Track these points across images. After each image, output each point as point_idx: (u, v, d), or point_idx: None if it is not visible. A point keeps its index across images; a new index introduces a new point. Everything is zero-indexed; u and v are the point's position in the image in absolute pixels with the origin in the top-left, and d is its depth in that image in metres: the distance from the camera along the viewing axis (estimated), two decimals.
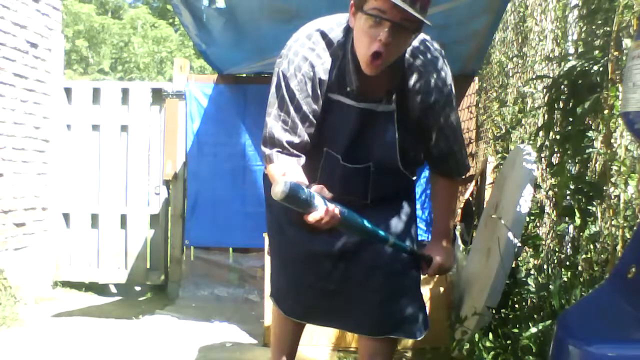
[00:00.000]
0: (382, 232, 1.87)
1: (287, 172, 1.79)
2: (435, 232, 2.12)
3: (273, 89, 1.87)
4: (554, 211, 2.88)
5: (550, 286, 2.40)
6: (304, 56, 1.82)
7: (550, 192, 2.93)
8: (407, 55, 1.85)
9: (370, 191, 1.96)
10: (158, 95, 5.07)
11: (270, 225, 2.16)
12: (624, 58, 2.10)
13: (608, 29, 2.32)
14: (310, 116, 1.85)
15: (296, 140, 1.85)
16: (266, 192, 2.13)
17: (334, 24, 1.87)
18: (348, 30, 1.83)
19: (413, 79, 1.86)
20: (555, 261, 2.87)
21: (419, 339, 2.07)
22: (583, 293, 2.30)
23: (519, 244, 2.74)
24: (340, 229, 1.80)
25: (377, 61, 1.72)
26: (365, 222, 1.81)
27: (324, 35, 1.84)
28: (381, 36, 1.67)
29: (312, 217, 1.66)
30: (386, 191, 1.99)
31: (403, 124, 1.89)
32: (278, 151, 1.85)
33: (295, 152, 1.86)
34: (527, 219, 2.87)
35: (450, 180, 2.07)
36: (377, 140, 1.91)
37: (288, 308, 2.14)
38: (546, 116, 2.72)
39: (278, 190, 1.60)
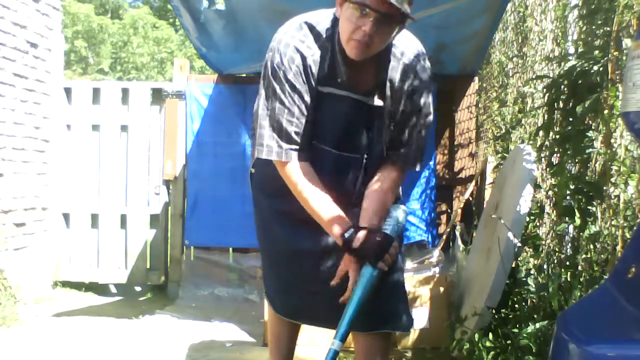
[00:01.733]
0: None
1: (316, 192, 1.86)
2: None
3: (269, 83, 1.86)
4: (554, 211, 2.88)
5: (550, 288, 2.40)
6: (295, 47, 1.83)
7: (550, 192, 2.93)
8: (394, 49, 1.88)
9: (360, 184, 1.96)
10: (158, 95, 5.07)
11: (258, 225, 2.16)
12: (624, 58, 2.10)
13: (608, 29, 2.33)
14: (308, 106, 1.86)
15: (299, 131, 1.86)
16: (253, 191, 2.13)
17: (322, 17, 1.89)
18: (335, 22, 1.85)
19: (401, 68, 1.89)
20: (555, 261, 2.87)
21: (408, 332, 2.08)
22: (582, 293, 2.30)
23: (519, 244, 2.74)
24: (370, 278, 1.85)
25: (360, 45, 1.75)
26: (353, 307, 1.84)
27: (311, 28, 1.86)
28: (366, 26, 1.71)
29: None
30: None
31: (391, 117, 1.92)
32: (291, 149, 1.86)
33: (298, 146, 1.87)
34: (527, 219, 2.87)
35: (401, 173, 2.01)
36: (371, 133, 1.93)
37: (279, 307, 2.15)
38: (546, 116, 2.72)
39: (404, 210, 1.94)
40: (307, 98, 1.85)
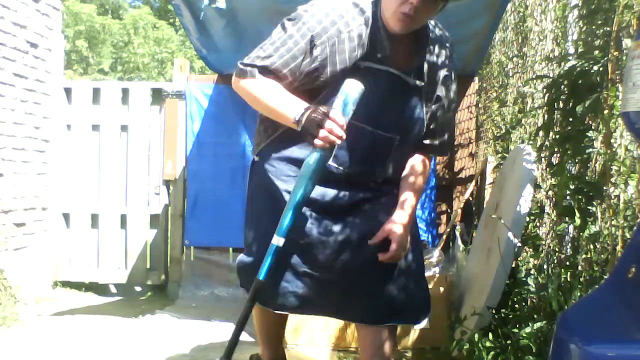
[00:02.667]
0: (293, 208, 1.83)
1: (269, 90, 1.86)
2: (399, 210, 1.96)
3: (285, 29, 1.89)
4: (554, 211, 2.88)
5: (549, 288, 2.39)
6: (333, 20, 1.86)
7: (550, 192, 2.93)
8: (431, 33, 1.94)
9: (386, 166, 1.97)
10: (158, 95, 5.07)
11: (261, 213, 2.10)
12: (624, 58, 2.10)
13: (608, 29, 2.32)
14: (301, 67, 1.86)
15: (276, 68, 1.87)
16: (258, 179, 2.09)
17: None
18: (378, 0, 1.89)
19: (436, 51, 1.96)
20: (555, 261, 2.87)
21: (422, 326, 2.07)
22: (582, 293, 2.30)
23: (519, 244, 2.74)
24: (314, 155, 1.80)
25: (406, 18, 1.80)
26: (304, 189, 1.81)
27: (355, 4, 1.90)
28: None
29: (333, 115, 1.75)
30: (398, 170, 2.02)
31: (428, 100, 1.97)
32: (260, 72, 1.88)
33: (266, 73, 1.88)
34: (527, 219, 2.87)
35: (429, 160, 2.11)
36: (407, 114, 1.95)
37: (278, 301, 2.07)
38: (546, 116, 2.72)
39: (350, 81, 1.78)
40: (308, 60, 1.86)
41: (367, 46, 1.87)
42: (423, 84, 1.94)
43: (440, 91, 1.98)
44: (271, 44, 1.89)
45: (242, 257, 2.16)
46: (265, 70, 1.88)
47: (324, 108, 1.77)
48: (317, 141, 1.76)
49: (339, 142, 1.77)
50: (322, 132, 1.74)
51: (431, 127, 2.01)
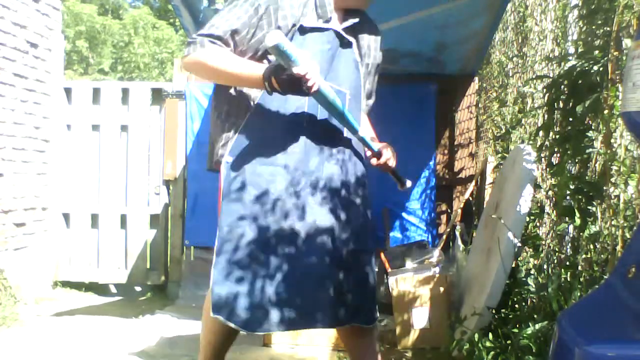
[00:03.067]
0: (349, 118, 1.99)
1: (225, 58, 1.91)
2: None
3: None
4: (554, 211, 2.88)
5: (549, 288, 2.39)
6: None
7: (550, 192, 2.93)
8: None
9: (346, 119, 2.05)
10: (158, 95, 5.07)
11: (250, 213, 2.05)
12: (624, 58, 2.10)
13: (608, 29, 2.32)
14: (241, 31, 1.94)
15: (220, 36, 1.93)
16: (239, 174, 2.12)
17: None
18: None
19: (371, 26, 2.16)
20: (555, 261, 2.87)
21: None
22: (582, 293, 2.30)
23: (519, 244, 2.74)
24: (318, 96, 1.90)
25: None
26: (336, 103, 1.95)
27: None
28: None
29: (298, 70, 1.78)
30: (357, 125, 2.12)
31: (363, 64, 2.12)
32: (210, 41, 1.92)
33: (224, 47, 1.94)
34: (527, 219, 2.87)
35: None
36: (350, 70, 2.08)
37: (263, 318, 2.02)
38: (546, 116, 2.72)
39: (272, 38, 1.75)
40: (253, 20, 1.94)
41: (312, 9, 1.99)
42: (358, 41, 2.09)
43: (370, 51, 2.13)
44: (218, 14, 1.99)
45: (215, 273, 2.12)
46: (213, 37, 1.93)
47: (285, 68, 1.81)
48: (313, 90, 1.84)
49: (322, 80, 1.88)
50: (308, 84, 1.80)
51: (366, 87, 2.16)
